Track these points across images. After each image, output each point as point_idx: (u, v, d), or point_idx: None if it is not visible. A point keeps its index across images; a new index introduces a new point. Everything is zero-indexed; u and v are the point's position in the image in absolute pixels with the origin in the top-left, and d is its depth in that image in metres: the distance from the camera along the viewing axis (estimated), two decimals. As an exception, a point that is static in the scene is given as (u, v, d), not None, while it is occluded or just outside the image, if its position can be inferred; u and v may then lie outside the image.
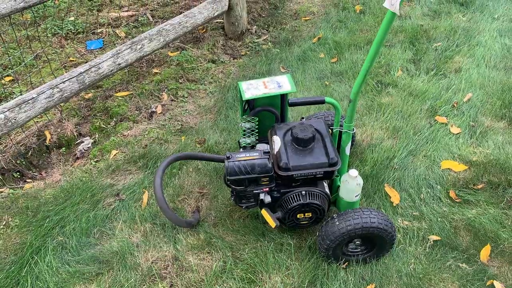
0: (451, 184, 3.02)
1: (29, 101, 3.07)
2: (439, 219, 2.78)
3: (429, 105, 3.74)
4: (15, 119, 2.99)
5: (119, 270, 2.52)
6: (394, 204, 2.91)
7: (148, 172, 3.15)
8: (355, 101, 2.34)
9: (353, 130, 2.49)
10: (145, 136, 3.48)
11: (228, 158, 2.36)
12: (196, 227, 2.76)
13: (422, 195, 2.97)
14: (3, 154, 3.37)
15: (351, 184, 2.48)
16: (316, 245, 2.57)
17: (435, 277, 2.46)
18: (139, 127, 3.58)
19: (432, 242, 2.65)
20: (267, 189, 2.46)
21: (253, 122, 2.69)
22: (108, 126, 3.67)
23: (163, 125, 3.60)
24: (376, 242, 2.49)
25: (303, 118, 2.86)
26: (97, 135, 3.60)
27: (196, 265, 2.55)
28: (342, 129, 2.50)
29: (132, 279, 2.47)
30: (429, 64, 4.26)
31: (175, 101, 3.91)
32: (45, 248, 2.62)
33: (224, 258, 2.58)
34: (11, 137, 3.48)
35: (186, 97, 3.95)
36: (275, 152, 2.45)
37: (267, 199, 2.49)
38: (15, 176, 3.30)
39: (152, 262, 2.58)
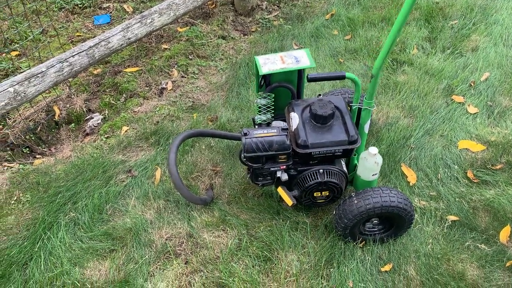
0: (468, 164, 2.96)
1: (38, 75, 3.00)
2: (457, 199, 2.73)
3: (446, 84, 3.65)
4: (24, 93, 2.93)
5: (133, 247, 2.49)
6: (411, 184, 2.86)
7: (160, 149, 3.09)
8: (377, 76, 2.26)
9: (374, 107, 2.42)
10: (156, 112, 3.42)
11: (245, 134, 2.30)
12: (210, 204, 2.72)
13: (439, 175, 2.91)
14: (12, 129, 3.31)
15: (369, 162, 2.42)
16: (332, 224, 2.53)
17: (453, 257, 2.43)
18: (150, 104, 3.52)
19: (450, 222, 2.61)
20: (284, 166, 2.41)
21: (269, 99, 2.62)
22: (118, 102, 3.60)
23: (174, 102, 3.53)
24: (394, 222, 2.44)
25: (320, 95, 2.79)
26: (106, 111, 3.54)
27: (211, 242, 2.51)
28: (362, 106, 2.43)
29: (146, 256, 2.44)
30: (445, 43, 4.15)
31: (185, 77, 3.83)
32: (58, 224, 2.58)
33: (239, 235, 2.54)
34: (19, 112, 3.42)
35: (197, 74, 3.86)
36: (293, 129, 2.39)
37: (284, 177, 2.44)
38: (25, 151, 3.25)
39: (167, 239, 2.54)
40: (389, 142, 3.10)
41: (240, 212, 2.69)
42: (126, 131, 3.25)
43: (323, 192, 2.49)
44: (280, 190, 2.48)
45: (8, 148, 3.23)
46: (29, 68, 3.07)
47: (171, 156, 2.47)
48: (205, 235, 2.55)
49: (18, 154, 3.23)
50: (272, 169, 2.40)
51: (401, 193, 2.37)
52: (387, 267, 2.42)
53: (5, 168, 3.04)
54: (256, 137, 2.30)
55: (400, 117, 3.34)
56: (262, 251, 2.46)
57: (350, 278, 2.36)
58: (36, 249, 2.46)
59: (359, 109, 2.50)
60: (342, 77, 2.40)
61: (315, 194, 2.50)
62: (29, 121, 3.43)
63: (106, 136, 3.24)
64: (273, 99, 2.62)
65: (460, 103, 3.48)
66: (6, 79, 3.23)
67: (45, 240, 2.50)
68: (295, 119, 2.41)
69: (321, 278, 2.36)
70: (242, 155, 2.49)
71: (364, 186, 2.54)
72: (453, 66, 3.85)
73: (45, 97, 3.56)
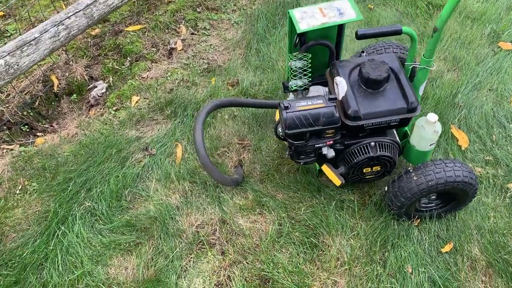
0: (526, 122, 2.64)
1: (31, 42, 2.58)
2: (518, 164, 2.43)
3: (490, 30, 3.24)
4: (17, 65, 2.52)
5: (161, 238, 2.20)
6: (463, 148, 2.55)
7: (178, 121, 2.73)
8: (441, 30, 1.87)
9: (433, 66, 2.04)
10: (168, 78, 3.02)
11: (286, 108, 1.94)
12: (241, 184, 2.41)
13: (493, 136, 2.59)
14: (7, 105, 2.92)
15: (427, 131, 2.09)
16: (384, 202, 2.23)
17: (522, 233, 2.16)
18: (159, 68, 3.10)
19: (513, 192, 2.32)
20: (331, 142, 2.07)
21: (305, 60, 2.23)
22: (123, 67, 3.18)
23: (187, 64, 3.12)
24: (455, 196, 2.15)
25: (363, 51, 2.40)
26: (111, 78, 3.13)
27: (248, 228, 2.23)
28: (418, 64, 2.06)
29: (177, 249, 2.16)
30: (484, -20, 3.68)
31: (196, 34, 3.39)
32: (72, 216, 2.28)
33: (279, 219, 2.25)
34: (13, 85, 3.01)
35: (208, 29, 3.42)
36: (341, 97, 2.03)
37: (331, 153, 2.11)
38: (24, 129, 2.88)
39: (197, 227, 2.26)
40: (436, 101, 2.75)
41: (276, 191, 2.38)
42: (136, 101, 2.87)
43: (374, 168, 2.18)
44: (326, 168, 2.16)
45: (4, 127, 2.86)
46: (19, 34, 2.64)
47: (197, 134, 2.12)
48: (240, 221, 2.26)
49: (17, 133, 2.86)
50: (317, 145, 2.07)
51: (465, 165, 2.06)
52: (447, 247, 2.15)
53: (4, 151, 2.69)
54: (299, 111, 1.94)
55: (443, 70, 2.97)
56: (306, 236, 2.18)
57: (408, 262, 2.10)
58: (51, 247, 2.17)
59: (412, 69, 2.13)
60: (398, 32, 2.01)
61: (364, 170, 2.18)
62: (25, 94, 3.03)
63: (114, 108, 2.86)
64: (310, 60, 2.23)
65: (508, 50, 3.09)
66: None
67: (60, 236, 2.20)
68: (342, 84, 2.04)
69: (376, 264, 2.09)
70: (280, 130, 2.15)
71: (418, 157, 2.22)
72: (496, 8, 3.41)
73: (40, 65, 3.14)
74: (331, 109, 1.94)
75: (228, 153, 2.56)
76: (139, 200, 2.39)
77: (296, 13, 2.12)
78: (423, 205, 2.25)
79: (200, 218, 2.28)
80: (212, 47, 3.25)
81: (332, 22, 2.09)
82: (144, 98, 2.89)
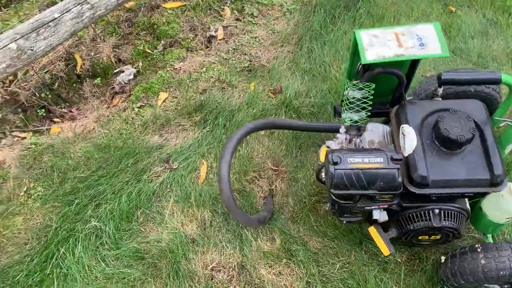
0: None
1: (50, 24, 2.24)
2: None
3: None
4: (31, 50, 2.19)
5: (169, 278, 1.91)
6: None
7: (207, 130, 2.37)
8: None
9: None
10: (203, 74, 2.62)
11: (335, 163, 1.54)
12: (269, 221, 2.06)
13: None
14: (25, 84, 2.64)
15: (508, 202, 1.65)
16: (438, 276, 1.84)
17: None
18: (195, 59, 2.71)
19: None
20: (386, 206, 1.67)
21: (366, 90, 1.79)
22: (155, 51, 2.81)
23: (226, 59, 2.70)
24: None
25: (440, 84, 1.92)
26: (140, 63, 2.78)
27: (270, 282, 1.90)
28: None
29: (187, 295, 1.87)
30: None
31: (240, 20, 2.94)
32: (75, 237, 2.01)
33: (309, 276, 1.91)
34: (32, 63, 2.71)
35: (256, 17, 2.96)
36: (406, 154, 1.60)
37: (383, 217, 1.72)
38: (40, 113, 2.61)
39: (213, 269, 1.95)
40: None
41: (309, 237, 2.03)
42: (164, 100, 2.51)
43: (432, 236, 1.77)
44: (373, 232, 1.77)
45: (19, 110, 2.60)
46: (37, 13, 2.30)
47: (223, 166, 1.76)
48: (262, 270, 1.93)
49: (33, 117, 2.59)
50: (368, 208, 1.67)
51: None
52: None
53: (16, 139, 2.44)
54: (351, 168, 1.54)
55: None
56: (338, 303, 1.84)
57: None
58: (47, 271, 1.92)
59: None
60: (496, 82, 1.54)
61: (420, 237, 1.78)
62: (45, 72, 2.73)
63: (139, 104, 2.52)
64: (372, 91, 1.79)
65: None
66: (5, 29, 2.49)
67: (58, 258, 1.95)
68: (410, 137, 1.60)
69: None
70: (324, 177, 1.77)
71: (488, 227, 1.81)
72: None
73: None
74: (393, 172, 1.53)
75: (258, 180, 2.20)
76: (151, 223, 2.10)
77: (364, 37, 1.66)
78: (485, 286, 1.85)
79: (217, 259, 1.97)
80: (257, 40, 2.81)
81: (408, 55, 1.62)
82: (173, 96, 2.53)
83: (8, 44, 2.13)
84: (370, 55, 1.63)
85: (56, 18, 2.26)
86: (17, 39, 2.14)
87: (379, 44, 1.65)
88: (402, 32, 1.68)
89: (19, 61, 2.17)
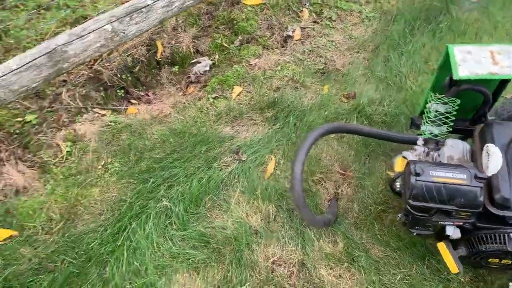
0: None
1: (143, 10, 2.36)
2: None
3: None
4: (123, 33, 2.33)
5: (231, 265, 1.97)
6: None
7: (277, 127, 2.42)
8: None
9: None
10: (277, 73, 2.68)
11: (417, 174, 1.54)
12: (332, 224, 2.08)
13: None
14: (108, 64, 2.79)
15: None
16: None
17: None
18: (270, 57, 2.77)
19: None
20: (461, 223, 1.65)
21: (450, 105, 1.78)
22: (231, 45, 2.90)
23: (301, 60, 2.75)
24: None
25: (506, 97, 1.88)
26: (217, 56, 2.87)
27: (330, 283, 1.92)
28: None
29: (248, 283, 1.92)
30: None
31: (318, 23, 2.97)
32: (146, 213, 2.11)
33: (369, 283, 1.92)
34: (118, 44, 2.86)
35: (334, 21, 2.98)
36: (490, 174, 1.58)
37: (456, 234, 1.70)
38: (119, 94, 2.75)
39: (273, 263, 1.99)
40: None
41: (372, 245, 2.03)
42: (238, 94, 2.59)
43: (503, 260, 1.73)
44: (443, 248, 1.76)
45: (101, 88, 2.75)
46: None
47: (297, 166, 1.81)
48: (322, 270, 1.96)
49: (112, 96, 2.74)
50: (442, 223, 1.66)
51: None
52: None
53: (96, 115, 2.59)
54: (433, 182, 1.54)
55: None
56: (396, 313, 1.84)
57: None
58: (119, 243, 2.03)
59: None
60: None
61: (490, 260, 1.75)
62: (127, 56, 2.88)
63: (214, 95, 2.61)
64: (456, 107, 1.78)
65: None
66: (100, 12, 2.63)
67: (130, 232, 2.06)
68: (495, 157, 1.58)
69: None
70: (399, 186, 1.78)
71: None
72: None
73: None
74: (475, 190, 1.52)
75: (324, 182, 2.23)
76: (217, 210, 2.17)
77: (457, 52, 1.66)
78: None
79: (278, 253, 2.01)
80: (333, 44, 2.83)
81: (503, 74, 1.60)
82: (247, 91, 2.60)
83: (104, 26, 2.26)
84: (462, 71, 1.62)
85: (149, 5, 2.38)
86: (113, 21, 2.28)
87: (473, 61, 1.64)
88: (498, 51, 1.66)
89: (112, 42, 2.31)
